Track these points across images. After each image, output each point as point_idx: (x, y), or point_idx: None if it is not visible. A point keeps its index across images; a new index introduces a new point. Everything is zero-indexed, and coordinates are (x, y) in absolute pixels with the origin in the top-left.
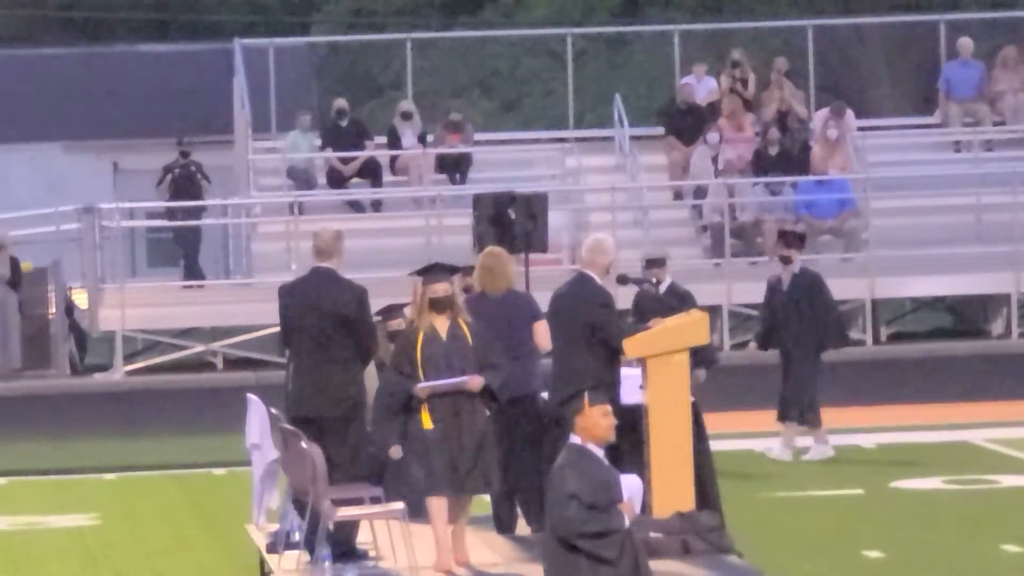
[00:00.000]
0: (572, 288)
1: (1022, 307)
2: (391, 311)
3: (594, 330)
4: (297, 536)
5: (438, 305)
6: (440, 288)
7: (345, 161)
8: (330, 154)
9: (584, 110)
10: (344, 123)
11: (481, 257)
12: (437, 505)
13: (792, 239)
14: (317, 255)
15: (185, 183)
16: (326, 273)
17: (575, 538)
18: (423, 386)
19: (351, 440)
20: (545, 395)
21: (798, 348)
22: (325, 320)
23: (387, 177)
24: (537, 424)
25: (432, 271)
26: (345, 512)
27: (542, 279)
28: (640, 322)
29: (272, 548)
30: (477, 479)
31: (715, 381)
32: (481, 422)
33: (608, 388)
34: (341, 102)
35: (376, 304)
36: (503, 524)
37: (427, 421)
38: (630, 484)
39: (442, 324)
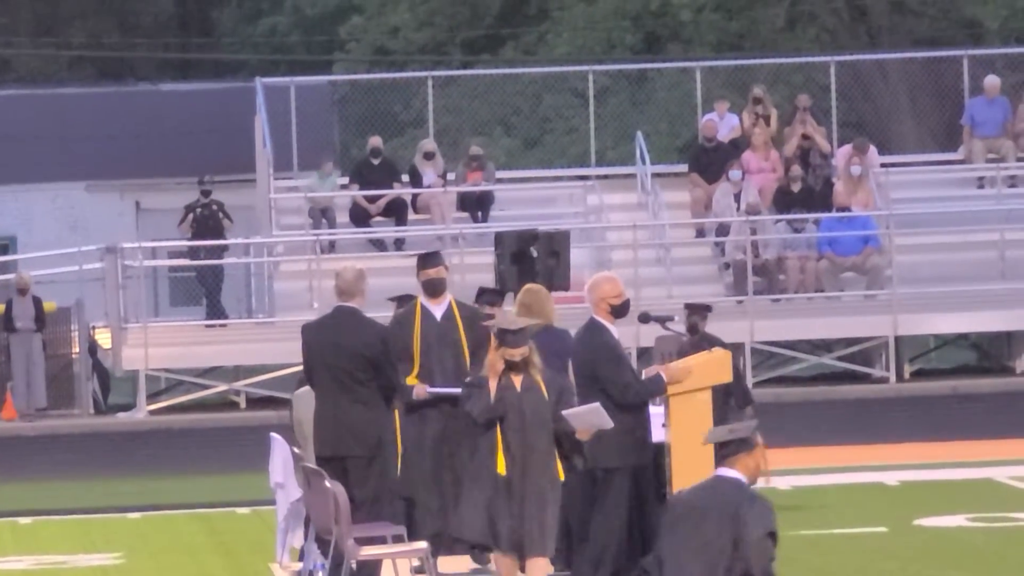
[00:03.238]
0: (583, 336)
1: None
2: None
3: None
4: (321, 575)
5: (515, 367)
6: (519, 352)
7: (371, 200)
8: (354, 192)
9: (606, 147)
10: (376, 161)
11: (520, 294)
12: (501, 561)
13: (493, 296)
14: (339, 295)
15: (207, 222)
16: (349, 312)
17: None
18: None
19: (373, 479)
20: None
21: None
22: (348, 359)
23: (409, 215)
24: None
25: (516, 335)
26: (368, 551)
27: (565, 317)
28: (663, 363)
29: None
30: (537, 540)
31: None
32: (550, 477)
33: (636, 433)
34: (376, 140)
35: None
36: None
37: (502, 465)
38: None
39: (516, 378)
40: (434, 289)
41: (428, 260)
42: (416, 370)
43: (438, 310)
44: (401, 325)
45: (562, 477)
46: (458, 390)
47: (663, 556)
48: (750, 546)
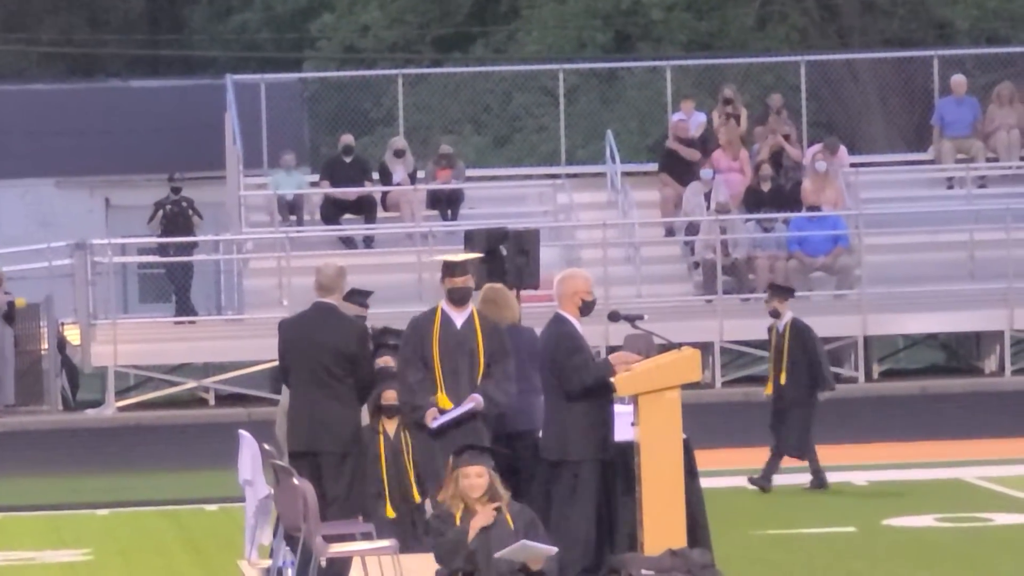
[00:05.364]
0: (547, 331)
1: (1015, 344)
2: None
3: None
4: (289, 572)
5: (479, 499)
6: (475, 475)
7: (341, 197)
8: (322, 190)
9: (576, 146)
10: (348, 159)
11: (484, 290)
12: None
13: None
14: (319, 290)
15: (177, 219)
16: (327, 309)
17: None
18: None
19: (346, 476)
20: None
21: None
22: (325, 355)
23: (379, 213)
24: (535, 460)
25: (469, 453)
26: (337, 548)
27: (534, 315)
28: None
29: None
30: None
31: (707, 418)
32: None
33: (600, 428)
34: (348, 138)
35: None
36: None
37: None
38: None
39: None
40: (460, 298)
41: (456, 269)
42: (440, 383)
43: (459, 318)
44: (419, 330)
45: None
46: (466, 409)
47: None
48: None
